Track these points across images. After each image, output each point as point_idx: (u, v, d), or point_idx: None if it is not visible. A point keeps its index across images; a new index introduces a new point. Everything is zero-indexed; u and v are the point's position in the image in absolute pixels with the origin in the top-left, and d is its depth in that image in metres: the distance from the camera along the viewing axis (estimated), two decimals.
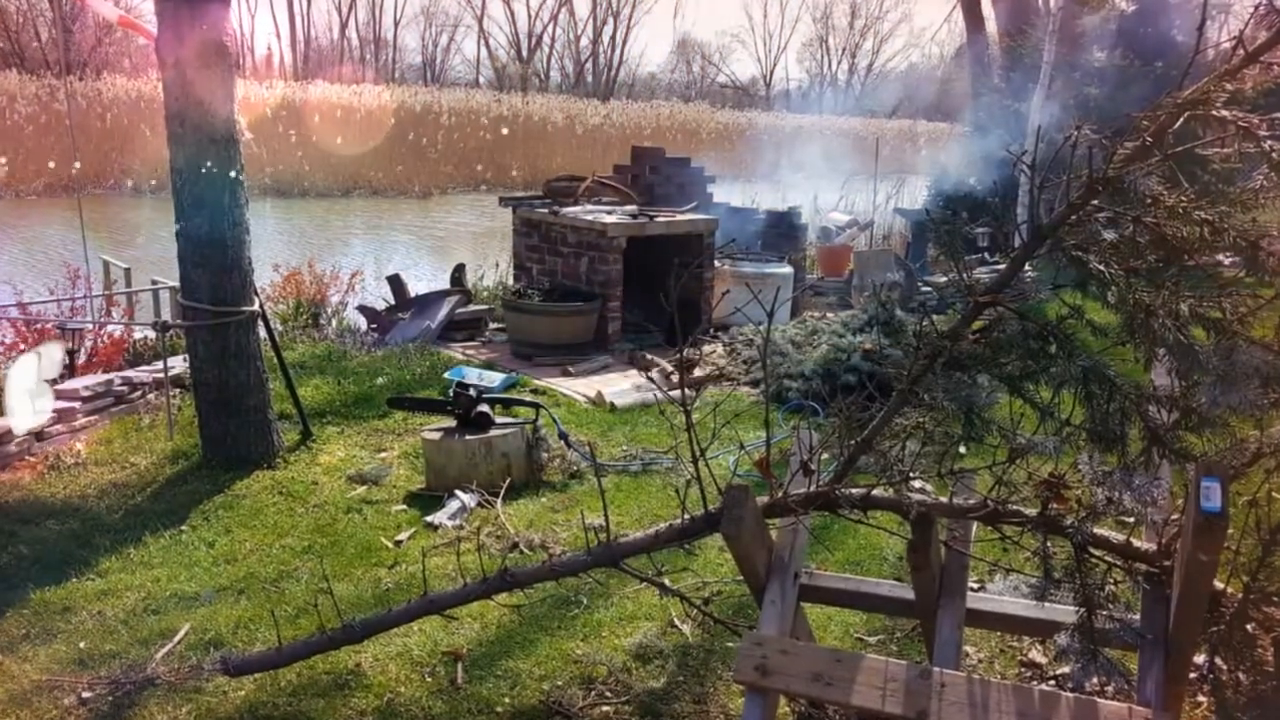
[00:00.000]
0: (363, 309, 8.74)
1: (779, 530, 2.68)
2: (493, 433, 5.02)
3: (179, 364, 6.18)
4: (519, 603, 3.65)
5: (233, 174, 4.96)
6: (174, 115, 4.85)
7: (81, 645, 3.51)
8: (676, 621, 3.68)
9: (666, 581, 3.34)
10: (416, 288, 9.38)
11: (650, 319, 8.44)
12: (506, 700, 3.19)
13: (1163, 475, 2.31)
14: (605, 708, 3.16)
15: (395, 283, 8.88)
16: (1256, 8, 2.11)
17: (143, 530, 4.48)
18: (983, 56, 16.21)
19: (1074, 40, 12.20)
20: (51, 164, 18.76)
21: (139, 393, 6.13)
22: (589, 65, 48.99)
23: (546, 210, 8.52)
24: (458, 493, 4.80)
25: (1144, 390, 2.27)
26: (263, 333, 5.43)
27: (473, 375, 6.60)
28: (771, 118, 36.97)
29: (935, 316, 2.51)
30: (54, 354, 5.70)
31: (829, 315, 8.55)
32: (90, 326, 6.79)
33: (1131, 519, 2.37)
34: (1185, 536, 2.11)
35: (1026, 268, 2.44)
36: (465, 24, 52.15)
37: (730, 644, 3.45)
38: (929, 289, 9.84)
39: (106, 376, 6.02)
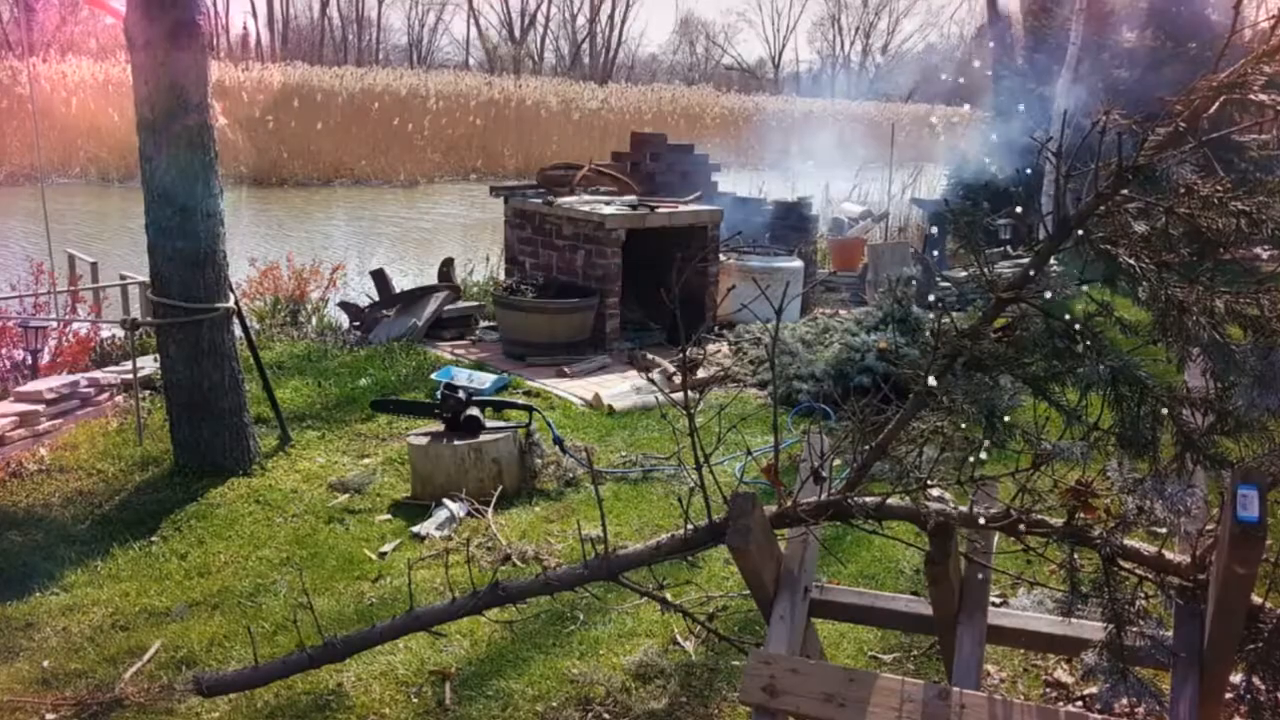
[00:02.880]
0: (344, 306, 8.74)
1: (788, 541, 2.68)
2: (483, 438, 5.02)
3: (149, 364, 6.18)
4: (511, 619, 3.64)
5: (206, 162, 4.96)
6: (144, 100, 4.85)
7: (45, 664, 3.51)
8: (679, 639, 3.68)
9: (668, 596, 3.34)
10: (402, 283, 9.38)
11: (651, 316, 8.45)
12: None
13: (1197, 483, 2.31)
14: None
15: (379, 278, 8.88)
16: None
17: (110, 541, 4.48)
18: (1005, 37, 16.21)
19: (1102, 20, 12.21)
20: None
21: (106, 395, 6.13)
22: (586, 46, 49.04)
23: (540, 201, 8.52)
24: (446, 501, 4.80)
25: (1177, 392, 2.27)
26: (238, 331, 5.44)
27: (462, 376, 6.60)
28: (780, 102, 37.00)
29: (955, 314, 2.51)
30: None
31: (841, 312, 8.56)
32: (54, 324, 6.79)
33: (1164, 529, 2.37)
34: (1221, 548, 2.11)
35: (1052, 262, 2.44)
36: (454, 2, 52.21)
37: (736, 663, 3.45)
38: (948, 284, 9.85)
39: (72, 378, 6.02)
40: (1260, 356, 2.17)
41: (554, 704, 3.28)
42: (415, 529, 4.62)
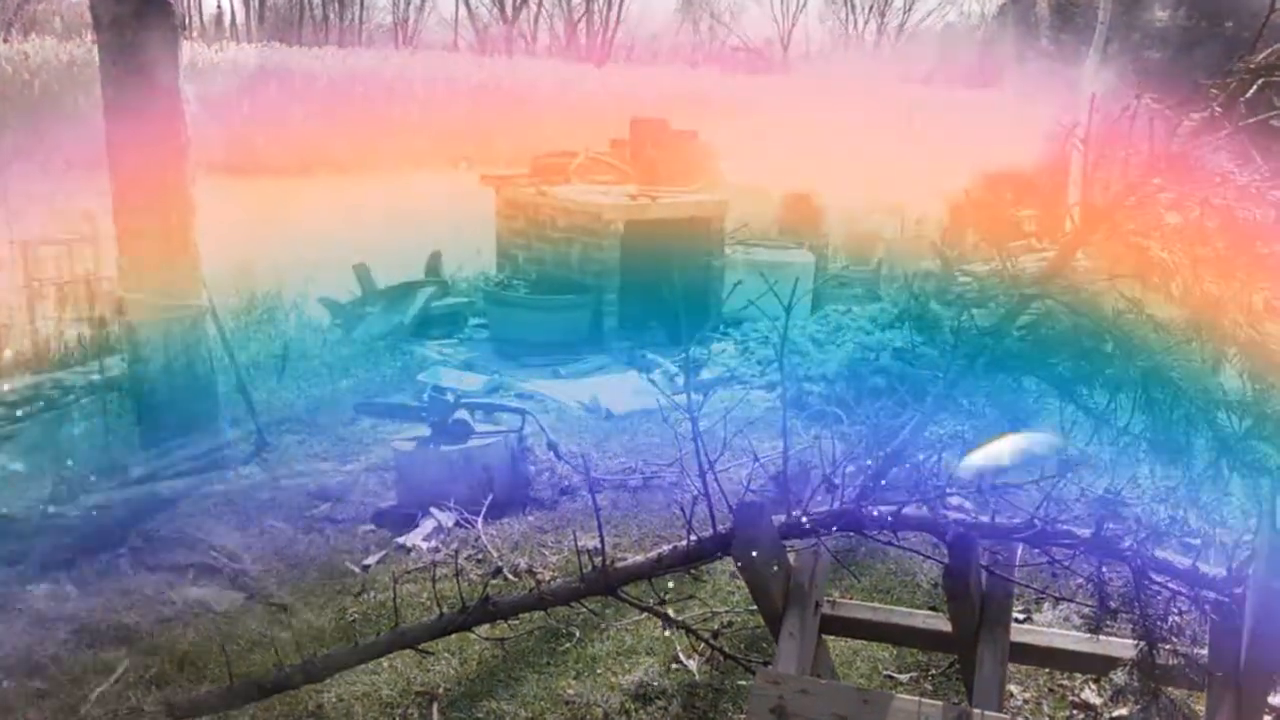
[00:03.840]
0: (325, 302, 8.74)
1: (797, 554, 2.68)
2: (472, 443, 5.02)
3: (117, 365, 6.17)
4: (503, 635, 3.65)
5: (177, 148, 4.96)
6: (111, 82, 4.85)
7: (5, 685, 3.51)
8: (681, 657, 3.68)
9: (670, 611, 3.34)
10: (386, 278, 9.37)
11: (652, 313, 8.45)
12: None
13: (1233, 491, 2.31)
14: None
15: (362, 272, 8.88)
16: None
17: (77, 554, 4.48)
18: (1029, 15, 16.23)
19: None
20: None
21: (72, 397, 6.12)
22: (582, 25, 49.01)
23: (534, 190, 8.52)
24: (433, 510, 4.80)
25: (1212, 394, 2.27)
26: (212, 329, 5.43)
27: (450, 377, 6.61)
28: (789, 84, 36.98)
29: (975, 311, 2.51)
30: None
31: (855, 309, 8.55)
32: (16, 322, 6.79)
33: (1198, 540, 2.37)
34: (1259, 560, 2.11)
35: (1079, 255, 2.43)
36: None
37: (743, 682, 3.45)
38: (968, 279, 9.83)
39: (35, 379, 6.02)
40: None
41: None
42: (401, 540, 4.61)
